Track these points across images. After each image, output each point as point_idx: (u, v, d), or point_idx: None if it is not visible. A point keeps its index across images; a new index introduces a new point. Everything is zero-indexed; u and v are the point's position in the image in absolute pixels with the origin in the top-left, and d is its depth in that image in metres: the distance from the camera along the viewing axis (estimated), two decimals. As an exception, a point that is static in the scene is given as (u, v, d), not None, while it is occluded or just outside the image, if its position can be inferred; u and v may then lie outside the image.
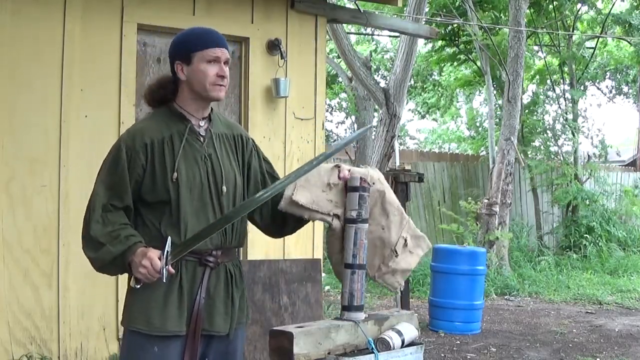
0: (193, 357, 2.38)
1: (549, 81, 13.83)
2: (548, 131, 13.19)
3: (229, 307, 2.47)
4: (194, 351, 2.38)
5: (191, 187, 2.39)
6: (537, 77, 14.48)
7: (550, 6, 12.56)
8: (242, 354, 2.60)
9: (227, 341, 2.49)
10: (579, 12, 13.69)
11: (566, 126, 13.09)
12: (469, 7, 11.59)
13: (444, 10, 12.65)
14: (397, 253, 2.56)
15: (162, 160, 2.38)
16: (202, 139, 2.46)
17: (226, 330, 2.46)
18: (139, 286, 2.34)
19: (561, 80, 13.62)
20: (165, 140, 2.40)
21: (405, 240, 2.58)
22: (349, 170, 2.53)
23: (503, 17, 12.71)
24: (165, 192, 2.37)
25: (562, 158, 12.80)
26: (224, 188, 2.45)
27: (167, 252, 2.29)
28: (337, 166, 2.54)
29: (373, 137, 10.73)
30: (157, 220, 2.39)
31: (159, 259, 2.29)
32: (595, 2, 13.99)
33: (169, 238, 2.32)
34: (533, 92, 14.19)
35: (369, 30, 14.72)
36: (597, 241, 11.81)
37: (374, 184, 2.55)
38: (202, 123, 2.48)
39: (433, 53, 14.76)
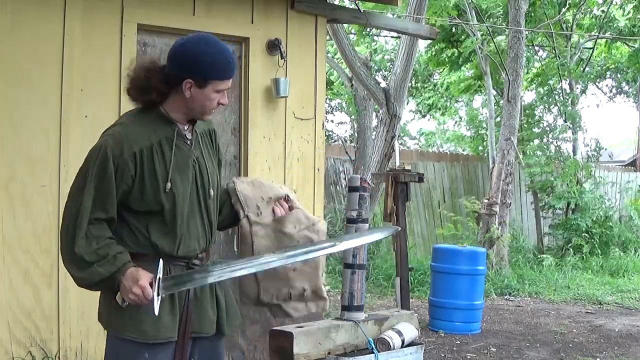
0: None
1: (547, 85, 13.85)
2: (546, 134, 13.19)
3: (215, 307, 2.45)
4: (185, 354, 2.35)
5: (184, 195, 2.35)
6: (538, 79, 14.49)
7: (543, 14, 12.63)
8: (223, 353, 2.59)
9: (212, 341, 2.47)
10: (577, 15, 13.72)
11: (564, 127, 13.11)
12: (470, 1, 11.62)
13: (443, 15, 12.70)
14: (290, 298, 2.61)
15: (152, 169, 2.30)
16: (189, 142, 2.41)
17: (213, 331, 2.44)
18: (125, 304, 2.26)
19: (560, 82, 13.62)
20: (154, 148, 2.31)
21: (305, 292, 2.62)
22: (293, 208, 2.61)
23: (500, 22, 12.79)
24: (156, 202, 2.30)
25: (560, 159, 12.80)
26: (211, 192, 2.43)
27: (159, 278, 2.21)
28: (287, 198, 2.62)
29: (373, 137, 10.72)
30: (144, 228, 2.32)
31: (151, 284, 2.21)
32: (591, 6, 14.04)
33: (161, 262, 2.24)
34: (531, 99, 14.19)
35: (370, 31, 14.70)
36: (597, 241, 11.80)
37: (318, 231, 2.62)
38: (186, 126, 2.42)
39: (432, 56, 14.79)
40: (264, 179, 2.69)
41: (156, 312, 2.20)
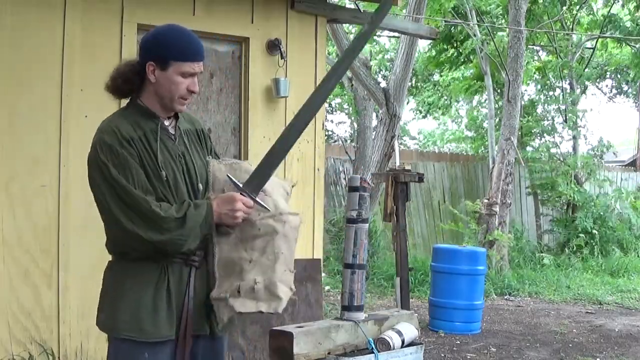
0: (186, 358, 2.35)
1: (549, 81, 13.85)
2: (546, 134, 13.20)
3: (210, 306, 2.43)
4: (186, 353, 2.35)
5: (175, 187, 2.34)
6: (537, 74, 14.48)
7: (545, 12, 12.64)
8: (226, 350, 2.58)
9: (214, 339, 2.47)
10: (577, 15, 13.72)
11: (564, 127, 13.12)
12: (471, 5, 11.66)
13: (444, 15, 12.72)
14: (239, 293, 2.33)
15: (141, 161, 2.30)
16: (173, 137, 2.42)
17: (208, 330, 2.44)
18: (231, 231, 2.34)
19: (560, 81, 13.63)
20: (141, 139, 2.32)
21: (256, 284, 2.34)
22: (258, 203, 2.40)
23: (501, 22, 12.81)
24: (151, 193, 2.29)
25: (561, 158, 12.80)
26: (200, 186, 2.42)
27: (244, 187, 2.33)
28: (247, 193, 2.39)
29: (373, 137, 10.72)
30: None
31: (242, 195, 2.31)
32: (593, 2, 14.03)
33: (229, 175, 2.34)
34: (530, 98, 14.15)
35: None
36: (597, 241, 11.80)
37: (284, 222, 2.40)
38: (168, 121, 2.43)
39: (432, 58, 14.79)
40: (249, 164, 2.52)
41: (269, 207, 2.34)
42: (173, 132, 2.42)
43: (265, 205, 2.34)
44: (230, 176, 2.34)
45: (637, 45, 13.84)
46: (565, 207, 12.36)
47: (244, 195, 2.31)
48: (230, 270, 2.36)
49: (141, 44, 2.39)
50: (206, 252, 2.40)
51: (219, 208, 2.29)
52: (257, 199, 2.35)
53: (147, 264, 2.30)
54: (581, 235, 11.74)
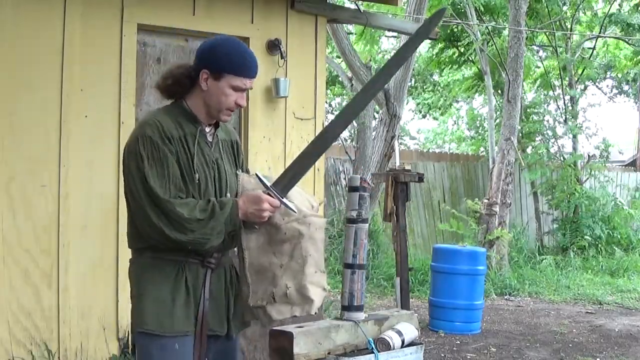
0: (202, 358, 2.39)
1: (549, 81, 13.84)
2: (547, 131, 13.19)
3: (226, 307, 2.48)
4: (203, 352, 2.39)
5: (205, 192, 2.39)
6: (539, 80, 14.46)
7: (546, 10, 12.62)
8: (238, 352, 2.61)
9: (226, 340, 2.51)
10: (577, 14, 13.71)
11: (565, 126, 13.11)
12: (470, 4, 11.65)
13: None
14: (274, 299, 2.42)
15: (178, 160, 2.34)
16: (210, 144, 2.46)
17: (225, 331, 2.47)
18: (257, 228, 2.38)
19: (560, 81, 13.62)
20: (181, 140, 2.37)
21: (288, 290, 2.41)
22: (283, 205, 2.43)
23: (502, 21, 12.79)
24: (181, 192, 2.33)
25: (562, 158, 12.80)
26: (228, 195, 2.45)
27: (270, 187, 2.36)
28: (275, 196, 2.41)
29: (373, 137, 10.72)
30: None
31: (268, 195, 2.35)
32: (594, 1, 14.01)
33: (258, 173, 2.38)
34: (531, 100, 14.14)
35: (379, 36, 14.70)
36: (597, 241, 11.79)
37: (309, 224, 2.44)
38: (208, 128, 2.48)
39: (434, 56, 14.78)
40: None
41: (295, 210, 2.36)
42: (210, 140, 2.47)
43: (291, 206, 2.37)
44: (259, 175, 2.38)
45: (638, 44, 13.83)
46: (567, 208, 12.32)
47: (270, 195, 2.35)
48: (262, 276, 2.42)
49: (198, 51, 2.43)
50: (223, 253, 2.44)
51: (246, 206, 2.33)
52: (283, 199, 2.38)
53: (165, 262, 2.35)
54: (586, 236, 11.72)
